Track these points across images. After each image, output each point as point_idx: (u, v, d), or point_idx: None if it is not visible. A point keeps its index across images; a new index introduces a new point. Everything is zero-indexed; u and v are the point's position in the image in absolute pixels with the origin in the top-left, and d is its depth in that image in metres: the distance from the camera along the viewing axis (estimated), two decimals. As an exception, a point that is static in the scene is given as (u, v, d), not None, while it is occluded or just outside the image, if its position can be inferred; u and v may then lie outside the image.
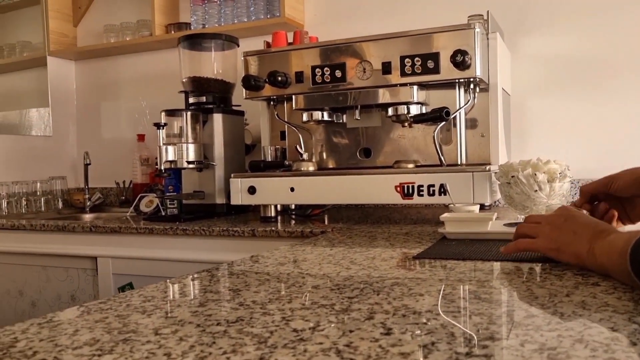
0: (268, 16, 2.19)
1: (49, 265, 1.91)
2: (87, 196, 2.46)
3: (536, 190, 1.23)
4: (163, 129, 1.80)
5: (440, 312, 0.63)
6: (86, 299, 1.84)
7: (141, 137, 2.49)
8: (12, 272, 1.97)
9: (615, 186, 1.01)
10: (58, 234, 1.87)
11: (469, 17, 1.62)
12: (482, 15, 1.62)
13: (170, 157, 1.83)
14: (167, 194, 2.05)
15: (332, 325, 0.60)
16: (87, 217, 2.31)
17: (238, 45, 2.08)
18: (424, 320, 0.60)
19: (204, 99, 1.98)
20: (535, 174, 1.23)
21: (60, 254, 1.88)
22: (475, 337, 0.54)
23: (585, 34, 1.88)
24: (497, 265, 0.90)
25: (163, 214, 2.01)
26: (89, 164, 2.45)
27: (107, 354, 0.53)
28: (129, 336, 0.59)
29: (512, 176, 1.25)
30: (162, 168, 1.82)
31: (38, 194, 2.47)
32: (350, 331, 0.57)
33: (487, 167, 1.44)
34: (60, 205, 2.53)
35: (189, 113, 1.90)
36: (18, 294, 1.96)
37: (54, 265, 1.90)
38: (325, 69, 1.66)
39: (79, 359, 0.52)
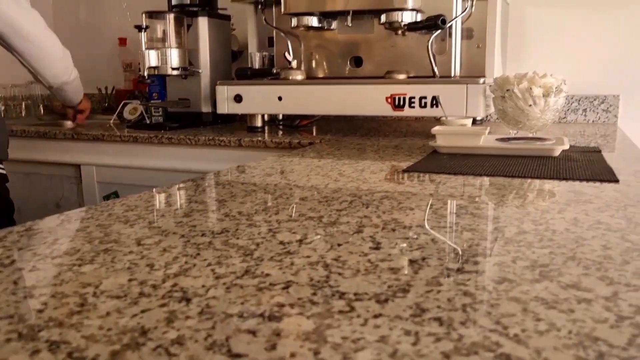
0: None
1: (32, 172, 1.88)
2: (68, 102, 2.38)
3: (530, 105, 1.20)
4: (145, 32, 1.71)
5: (431, 227, 0.62)
6: (71, 207, 1.83)
7: (122, 41, 2.39)
8: (-5, 178, 1.94)
9: None
10: (39, 141, 1.83)
11: None
12: None
13: (154, 63, 1.75)
14: (152, 101, 1.99)
15: (320, 238, 0.58)
16: (69, 123, 2.25)
17: (224, -57, 1.95)
18: (414, 235, 0.59)
19: (187, 0, 1.88)
20: (531, 88, 1.19)
21: (42, 160, 1.84)
22: (467, 253, 0.53)
23: (591, -61, 1.78)
24: (488, 180, 0.89)
25: (148, 122, 1.96)
26: (69, 68, 2.35)
27: (88, 264, 0.52)
28: (111, 246, 0.57)
29: (508, 90, 1.21)
30: (145, 74, 1.75)
31: (18, 99, 2.39)
32: (339, 245, 0.56)
33: (482, 80, 1.40)
34: (41, 111, 2.46)
35: (172, 15, 1.81)
36: (2, 200, 1.94)
37: (36, 172, 1.87)
38: (317, -30, 1.56)
39: (58, 268, 0.51)
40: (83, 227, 0.64)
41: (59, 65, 1.62)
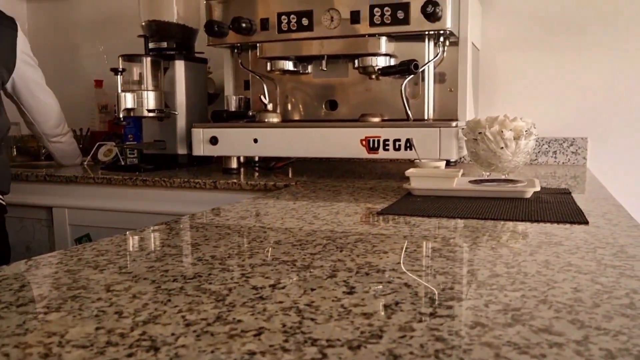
0: (233, -41, 2.09)
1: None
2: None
3: (502, 148, 1.22)
4: (121, 74, 1.72)
5: (405, 271, 0.62)
6: (42, 250, 1.79)
7: (99, 83, 2.39)
8: (-37, 221, 1.89)
9: None
10: (11, 183, 1.79)
11: (441, -33, 1.57)
12: (454, -34, 1.57)
13: (129, 105, 1.75)
14: (127, 142, 1.98)
15: (293, 282, 0.58)
16: (42, 165, 2.23)
17: (201, -11, 1.99)
18: (388, 279, 0.59)
19: (164, 44, 1.90)
20: (502, 131, 1.22)
21: (13, 203, 1.80)
22: (440, 297, 0.53)
23: (556, -11, 1.86)
24: (462, 222, 0.90)
25: (122, 163, 1.95)
26: (44, 110, 2.34)
27: (54, 312, 0.50)
28: (79, 293, 0.56)
29: (480, 132, 1.24)
30: (121, 116, 1.75)
31: (-10, 140, 2.35)
32: (312, 289, 0.56)
33: (455, 123, 1.43)
34: (14, 152, 2.43)
35: (149, 59, 1.82)
36: (-31, 244, 1.89)
37: (7, 214, 1.83)
38: (292, 16, 1.60)
39: (23, 317, 0.49)
40: (51, 273, 0.63)
41: (55, 118, 1.86)
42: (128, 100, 1.75)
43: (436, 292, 0.54)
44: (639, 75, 1.80)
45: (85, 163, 2.03)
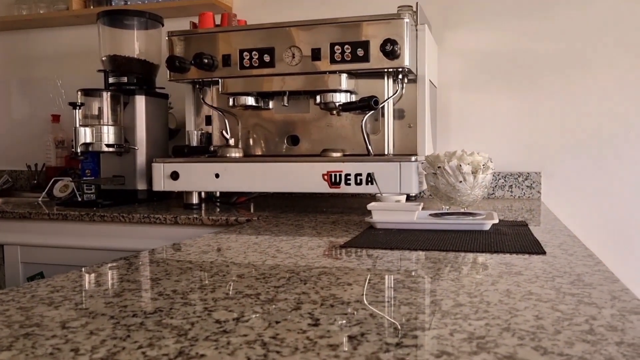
0: (195, -4, 2.11)
1: (-51, 253, 1.76)
2: (-6, 179, 2.29)
3: (461, 181, 1.25)
4: (79, 109, 1.69)
5: (369, 302, 0.62)
6: (-9, 289, 1.71)
7: (56, 118, 2.34)
8: None
9: None
10: (-41, 220, 1.73)
11: (398, 7, 1.62)
12: (411, 7, 1.62)
13: (88, 139, 1.72)
14: (84, 178, 1.94)
15: (257, 315, 0.57)
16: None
17: (163, 25, 1.99)
18: (353, 311, 0.58)
19: (125, 79, 1.88)
20: (460, 165, 1.25)
21: (-39, 241, 1.73)
22: (405, 327, 0.53)
23: (508, 31, 1.94)
24: (423, 254, 0.90)
25: (79, 199, 1.90)
26: (-3, 145, 2.28)
27: (5, 351, 0.48)
28: (32, 330, 0.53)
29: (439, 167, 1.26)
30: (78, 150, 1.71)
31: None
32: (277, 322, 0.55)
33: (414, 158, 1.45)
34: (-37, 188, 2.34)
35: (108, 93, 1.80)
36: None
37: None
38: (254, 52, 1.62)
39: (-28, 356, 0.47)
40: (2, 311, 0.60)
41: None
42: (86, 135, 1.72)
43: (401, 323, 0.54)
44: (584, 114, 1.88)
45: (40, 199, 1.97)
